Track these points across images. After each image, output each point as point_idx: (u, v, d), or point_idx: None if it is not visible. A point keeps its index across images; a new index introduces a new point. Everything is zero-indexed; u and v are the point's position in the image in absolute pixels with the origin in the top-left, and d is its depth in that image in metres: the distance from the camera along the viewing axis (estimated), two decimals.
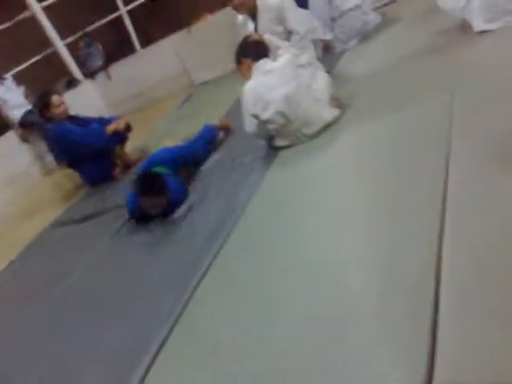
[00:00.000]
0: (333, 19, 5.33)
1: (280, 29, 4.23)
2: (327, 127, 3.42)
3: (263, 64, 3.43)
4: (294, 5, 4.29)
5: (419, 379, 1.38)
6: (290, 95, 3.31)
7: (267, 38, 3.83)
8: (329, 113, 3.46)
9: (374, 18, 5.40)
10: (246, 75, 3.52)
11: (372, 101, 3.55)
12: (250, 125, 3.50)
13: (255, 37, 3.83)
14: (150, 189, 3.34)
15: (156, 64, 7.77)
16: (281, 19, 4.21)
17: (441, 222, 1.92)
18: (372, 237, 2.11)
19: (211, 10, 7.62)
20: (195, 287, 2.43)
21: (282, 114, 3.32)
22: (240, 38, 4.47)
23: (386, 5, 6.05)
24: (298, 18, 4.23)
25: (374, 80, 3.94)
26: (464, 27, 3.75)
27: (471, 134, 2.43)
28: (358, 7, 5.22)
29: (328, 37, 5.30)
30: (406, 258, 1.86)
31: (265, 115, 3.35)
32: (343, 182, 2.72)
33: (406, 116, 3.00)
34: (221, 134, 4.45)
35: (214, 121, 4.54)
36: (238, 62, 3.58)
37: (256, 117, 3.39)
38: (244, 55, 3.53)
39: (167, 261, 2.88)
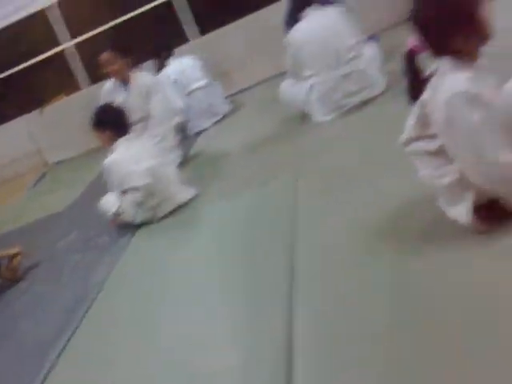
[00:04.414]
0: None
1: (146, 106, 4.46)
2: (183, 207, 3.59)
3: (126, 139, 3.55)
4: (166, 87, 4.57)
5: None
6: (154, 169, 3.47)
7: None
8: (185, 193, 3.63)
9: (223, 104, 5.75)
10: (106, 145, 3.58)
11: (223, 182, 3.81)
12: (110, 201, 3.58)
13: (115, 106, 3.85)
14: None
15: (7, 143, 7.55)
16: (148, 97, 4.45)
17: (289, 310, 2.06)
18: (224, 316, 2.25)
19: (67, 91, 7.65)
20: (50, 368, 2.38)
21: (144, 186, 3.45)
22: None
23: (236, 94, 6.47)
24: (163, 102, 4.50)
25: (225, 163, 4.22)
26: (304, 117, 4.17)
27: (313, 216, 2.70)
28: (203, 88, 5.54)
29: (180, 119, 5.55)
30: (259, 339, 1.98)
31: (127, 186, 3.46)
32: (197, 264, 2.84)
33: (252, 196, 3.28)
34: None
35: None
36: (98, 130, 3.58)
37: (121, 188, 3.49)
38: (104, 126, 3.56)
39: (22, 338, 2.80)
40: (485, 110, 1.78)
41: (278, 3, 5.74)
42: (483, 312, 1.60)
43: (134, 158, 3.49)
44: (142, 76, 4.63)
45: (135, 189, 3.46)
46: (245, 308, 2.22)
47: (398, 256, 2.07)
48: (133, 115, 4.50)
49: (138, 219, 3.55)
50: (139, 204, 3.49)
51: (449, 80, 1.84)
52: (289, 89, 4.23)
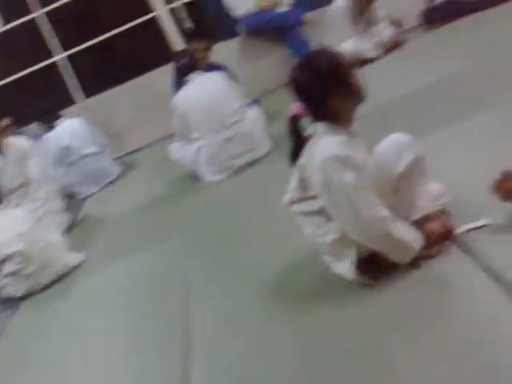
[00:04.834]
0: (70, 164, 5.45)
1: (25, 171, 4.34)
2: (70, 273, 3.47)
3: None
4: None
5: None
6: (26, 234, 3.33)
7: None
8: (71, 258, 3.51)
9: (113, 166, 5.69)
10: None
11: (113, 245, 3.75)
12: None
13: None
14: None
15: None
16: (26, 161, 4.34)
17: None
18: None
19: None
20: None
21: (17, 253, 3.29)
22: None
23: (126, 155, 6.42)
24: (42, 166, 4.39)
25: (114, 226, 4.16)
26: (194, 177, 4.21)
27: (206, 276, 2.72)
28: (96, 153, 5.47)
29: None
30: None
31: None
32: (85, 334, 2.74)
33: (144, 260, 3.24)
34: None
35: None
36: None
37: None
38: None
39: None
40: (357, 170, 1.91)
41: (165, 67, 5.83)
42: (374, 364, 1.67)
43: (3, 227, 3.36)
44: (18, 141, 4.54)
45: (9, 257, 3.30)
46: (138, 376, 2.16)
47: (292, 314, 2.13)
48: (11, 182, 4.38)
49: (21, 291, 3.38)
50: (16, 273, 3.33)
51: (322, 144, 1.96)
52: (177, 150, 4.28)
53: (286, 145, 2.14)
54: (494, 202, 1.99)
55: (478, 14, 5.46)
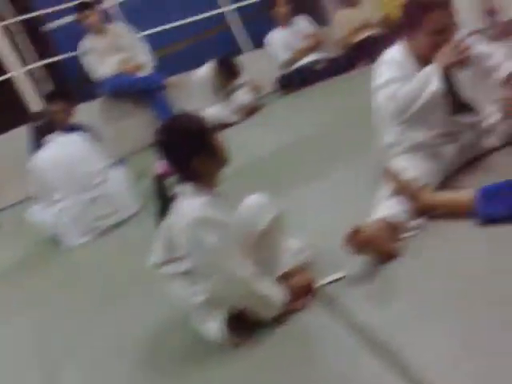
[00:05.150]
0: None
1: None
2: None
3: None
4: None
5: None
6: None
7: None
8: None
9: None
10: None
11: None
12: None
13: None
14: None
15: None
16: None
17: None
18: None
19: None
20: None
21: None
22: None
23: None
24: None
25: None
26: (56, 241, 4.04)
27: (72, 345, 2.59)
28: None
29: None
30: None
31: None
32: None
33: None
34: None
35: None
36: None
37: None
38: None
39: None
40: (222, 230, 1.96)
41: (22, 128, 5.60)
42: None
43: None
44: None
45: None
46: None
47: (161, 379, 2.09)
48: None
49: None
50: None
51: (186, 205, 2.00)
52: (37, 213, 4.10)
53: (153, 204, 2.15)
54: (348, 254, 2.13)
55: (328, 81, 5.96)
